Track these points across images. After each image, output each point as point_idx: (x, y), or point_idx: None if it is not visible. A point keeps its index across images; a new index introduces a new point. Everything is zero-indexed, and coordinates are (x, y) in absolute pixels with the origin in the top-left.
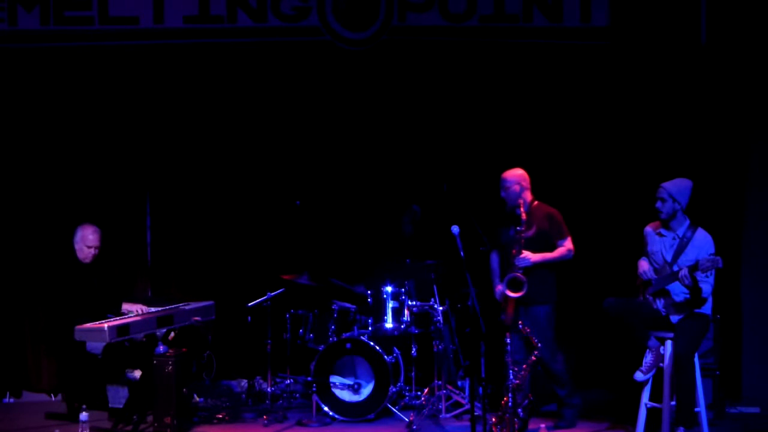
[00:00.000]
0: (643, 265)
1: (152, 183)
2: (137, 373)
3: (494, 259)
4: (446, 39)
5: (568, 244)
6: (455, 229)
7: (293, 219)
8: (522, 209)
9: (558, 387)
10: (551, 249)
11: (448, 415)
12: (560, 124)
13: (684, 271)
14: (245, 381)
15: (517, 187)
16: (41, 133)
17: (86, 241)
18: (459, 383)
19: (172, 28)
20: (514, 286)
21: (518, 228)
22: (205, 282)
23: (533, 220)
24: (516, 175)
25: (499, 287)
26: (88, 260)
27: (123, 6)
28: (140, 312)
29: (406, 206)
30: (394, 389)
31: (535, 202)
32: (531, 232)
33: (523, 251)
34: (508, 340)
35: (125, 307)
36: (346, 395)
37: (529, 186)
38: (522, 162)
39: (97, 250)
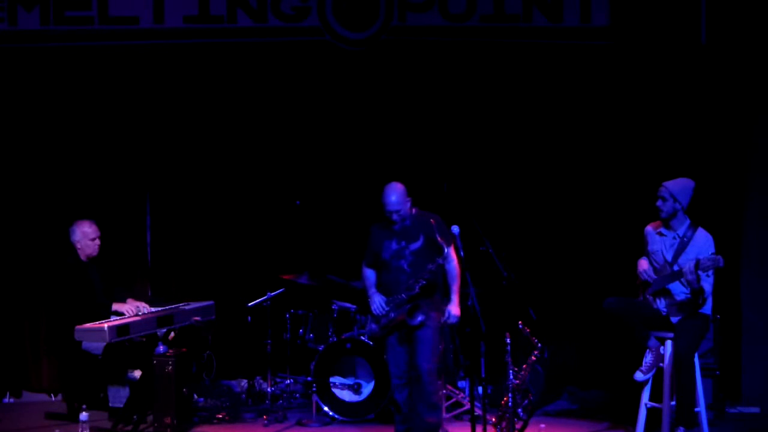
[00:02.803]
0: (643, 264)
1: (152, 183)
2: (137, 373)
3: (372, 273)
4: (446, 39)
5: (453, 254)
6: (455, 229)
7: (293, 219)
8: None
9: (428, 410)
10: (439, 254)
11: (448, 415)
12: (561, 123)
13: (689, 267)
14: (245, 381)
15: (408, 204)
16: (41, 133)
17: (88, 235)
18: (459, 383)
19: (172, 28)
20: (412, 314)
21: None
22: (205, 282)
23: (419, 229)
24: (402, 190)
25: (380, 303)
26: (95, 253)
27: (123, 6)
28: (131, 312)
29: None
30: None
31: (414, 210)
32: (419, 244)
33: (450, 308)
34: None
35: (115, 307)
36: (346, 395)
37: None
38: (522, 161)
39: (99, 240)
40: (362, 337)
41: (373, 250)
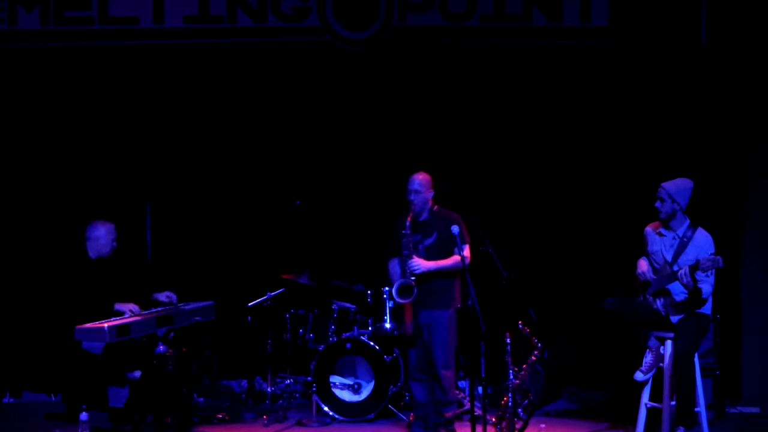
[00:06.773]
0: (643, 265)
1: (152, 182)
2: (137, 373)
3: (395, 264)
4: (446, 39)
5: (465, 252)
6: (455, 229)
7: (293, 219)
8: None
9: (442, 404)
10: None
11: (448, 415)
12: (560, 123)
13: (684, 270)
14: (245, 381)
15: (429, 194)
16: (42, 133)
17: (112, 234)
18: (459, 383)
19: (172, 28)
20: (404, 292)
21: (406, 233)
22: (205, 282)
23: (435, 225)
24: (426, 179)
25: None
26: (110, 254)
27: (123, 6)
28: (132, 312)
29: (406, 206)
30: (394, 389)
31: (435, 207)
32: (432, 239)
33: (414, 257)
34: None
35: (117, 306)
36: (346, 395)
37: (432, 189)
38: (522, 161)
39: (116, 243)
40: (362, 337)
41: (395, 242)
